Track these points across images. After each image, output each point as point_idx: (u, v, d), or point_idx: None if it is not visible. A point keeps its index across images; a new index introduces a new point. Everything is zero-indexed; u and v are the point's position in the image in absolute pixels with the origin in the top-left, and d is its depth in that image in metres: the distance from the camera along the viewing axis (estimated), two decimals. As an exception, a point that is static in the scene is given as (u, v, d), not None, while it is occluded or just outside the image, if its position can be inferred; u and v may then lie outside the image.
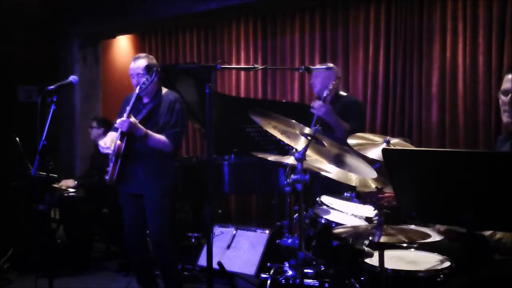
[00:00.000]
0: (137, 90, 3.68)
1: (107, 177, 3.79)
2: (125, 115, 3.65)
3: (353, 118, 4.04)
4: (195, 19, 6.41)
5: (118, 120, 3.64)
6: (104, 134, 5.41)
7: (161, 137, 3.72)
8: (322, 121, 3.89)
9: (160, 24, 6.83)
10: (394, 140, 3.07)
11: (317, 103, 3.87)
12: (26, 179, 4.84)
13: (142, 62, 3.77)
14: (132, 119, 3.62)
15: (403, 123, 5.19)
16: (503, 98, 2.45)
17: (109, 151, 3.75)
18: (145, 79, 3.66)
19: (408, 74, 5.15)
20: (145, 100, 3.84)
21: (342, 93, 4.33)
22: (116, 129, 3.89)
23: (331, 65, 4.31)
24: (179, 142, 3.90)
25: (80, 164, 6.89)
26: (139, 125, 3.63)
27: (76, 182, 5.34)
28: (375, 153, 3.00)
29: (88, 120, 5.90)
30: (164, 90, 3.91)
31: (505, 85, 2.44)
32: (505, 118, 2.47)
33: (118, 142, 3.71)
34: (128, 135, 3.71)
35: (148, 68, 3.69)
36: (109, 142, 3.80)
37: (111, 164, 3.75)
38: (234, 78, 6.39)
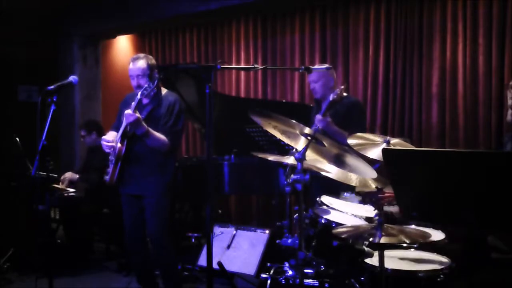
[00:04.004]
0: (138, 96, 3.65)
1: (107, 178, 3.79)
2: (129, 110, 3.63)
3: (355, 123, 4.02)
4: (195, 19, 6.41)
5: (126, 111, 3.62)
6: (99, 136, 5.42)
7: (161, 136, 3.72)
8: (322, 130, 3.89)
9: (160, 24, 6.83)
10: (394, 140, 3.07)
11: (317, 117, 3.87)
12: (26, 179, 4.83)
13: (141, 63, 3.75)
14: (138, 115, 3.61)
15: (403, 123, 5.19)
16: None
17: (113, 145, 3.73)
18: (147, 85, 3.64)
19: (408, 74, 5.14)
20: (145, 101, 3.83)
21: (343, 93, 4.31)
22: (115, 129, 3.89)
23: (328, 65, 4.29)
24: (177, 142, 3.90)
25: (80, 164, 6.89)
26: (143, 123, 3.63)
27: (77, 176, 5.34)
28: (375, 153, 3.00)
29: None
30: (164, 90, 3.90)
31: None
32: (509, 116, 2.46)
33: (119, 145, 3.71)
34: (128, 137, 3.71)
35: (150, 77, 3.68)
36: (111, 138, 3.79)
37: (111, 166, 3.75)
38: (234, 78, 6.39)
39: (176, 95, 3.93)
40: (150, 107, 3.79)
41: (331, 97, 3.75)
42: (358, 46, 5.45)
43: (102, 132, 5.55)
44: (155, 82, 3.64)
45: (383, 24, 5.26)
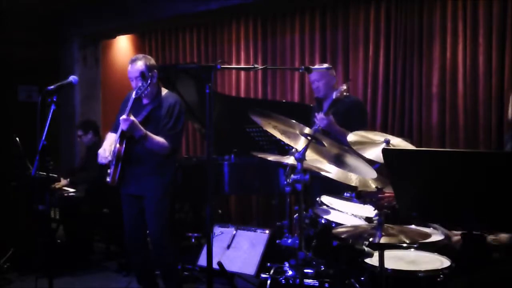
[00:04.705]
0: (133, 95, 3.66)
1: (108, 179, 3.79)
2: (124, 115, 3.64)
3: (356, 122, 4.01)
4: (195, 19, 6.41)
5: (121, 117, 3.63)
6: (95, 135, 5.45)
7: (159, 139, 3.71)
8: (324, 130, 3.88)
9: (160, 24, 6.83)
10: (394, 140, 3.07)
11: (319, 116, 3.86)
12: (26, 179, 4.84)
13: (139, 65, 3.73)
14: (133, 118, 3.61)
15: (403, 123, 5.19)
16: None
17: (109, 159, 3.74)
18: (140, 85, 3.64)
19: (408, 74, 5.14)
20: (145, 101, 3.83)
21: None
22: (114, 130, 3.89)
23: (328, 65, 4.29)
24: (177, 144, 3.90)
25: (79, 163, 6.90)
26: (139, 126, 3.63)
27: (68, 179, 5.38)
28: (375, 153, 3.00)
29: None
30: (164, 91, 3.89)
31: None
32: (511, 115, 2.46)
33: (118, 145, 3.71)
34: (127, 138, 3.71)
35: (142, 75, 3.67)
36: (108, 150, 3.79)
37: (112, 167, 3.75)
38: (234, 78, 6.39)
39: (176, 96, 3.92)
40: (150, 107, 3.79)
41: (334, 95, 3.74)
42: (358, 46, 5.45)
43: (98, 132, 5.59)
44: (148, 81, 3.64)
45: (383, 24, 5.26)
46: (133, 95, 3.66)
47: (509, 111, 2.46)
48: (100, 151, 3.80)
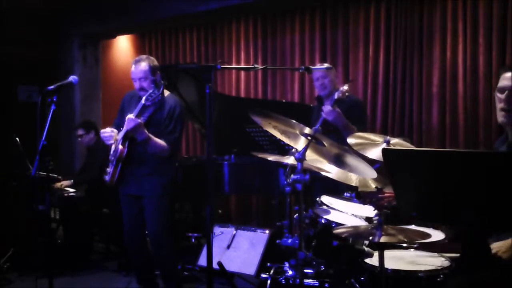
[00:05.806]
0: (143, 101, 3.63)
1: (107, 178, 3.79)
2: (131, 115, 3.63)
3: (358, 120, 4.03)
4: (195, 19, 6.41)
5: (128, 116, 3.62)
6: (97, 135, 5.45)
7: (161, 142, 3.71)
8: (328, 124, 3.89)
9: (160, 24, 6.83)
10: (394, 140, 3.07)
11: (326, 108, 3.86)
12: (26, 179, 4.84)
13: (143, 66, 3.73)
14: (140, 120, 3.61)
15: (403, 123, 5.19)
16: (499, 96, 2.42)
17: (113, 139, 3.72)
18: (151, 91, 3.62)
19: (408, 74, 5.15)
20: (147, 103, 3.83)
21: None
22: (115, 126, 3.88)
23: (328, 65, 4.31)
24: (177, 147, 3.93)
25: (80, 164, 6.90)
26: (144, 130, 3.63)
27: (72, 180, 5.37)
28: (375, 153, 3.00)
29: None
30: (166, 93, 3.89)
31: (502, 83, 2.40)
32: (500, 117, 2.44)
33: (120, 146, 3.71)
34: (130, 139, 3.71)
35: (156, 83, 3.67)
36: (109, 130, 3.78)
37: (111, 166, 3.75)
38: (234, 78, 6.39)
39: (177, 99, 3.93)
40: (152, 109, 3.78)
41: (336, 95, 3.78)
42: (358, 46, 5.45)
43: (98, 132, 5.58)
44: (161, 89, 3.64)
45: (383, 24, 5.26)
46: (143, 101, 3.63)
47: (500, 114, 2.43)
48: (102, 132, 3.77)
